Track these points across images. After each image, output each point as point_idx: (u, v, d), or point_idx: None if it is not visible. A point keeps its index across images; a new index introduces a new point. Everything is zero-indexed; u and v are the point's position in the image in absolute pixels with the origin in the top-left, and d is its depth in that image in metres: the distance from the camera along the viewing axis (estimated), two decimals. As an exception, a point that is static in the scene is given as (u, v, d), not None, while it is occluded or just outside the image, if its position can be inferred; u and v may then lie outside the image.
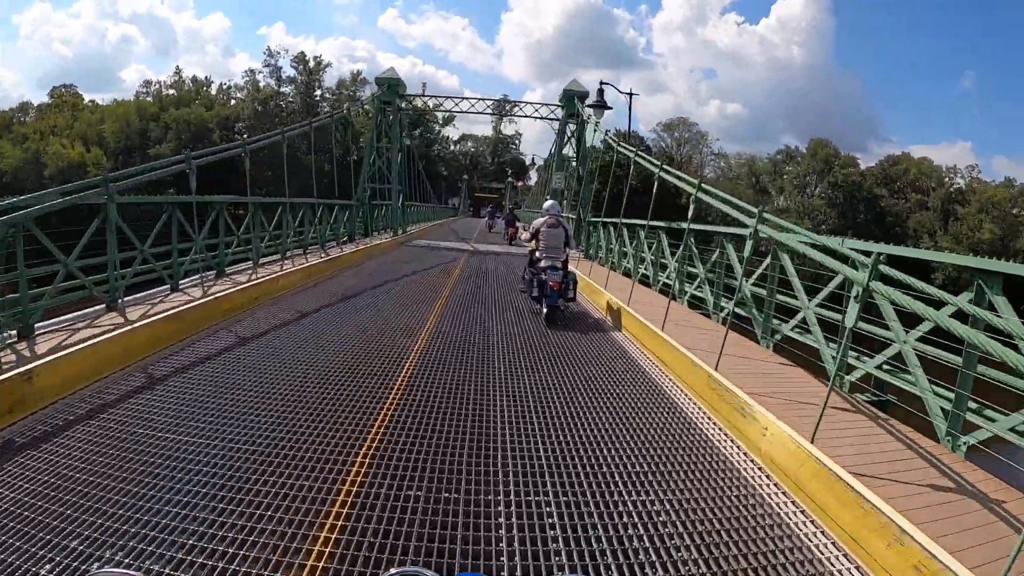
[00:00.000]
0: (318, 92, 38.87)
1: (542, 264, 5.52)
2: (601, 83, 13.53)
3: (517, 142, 61.71)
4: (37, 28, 53.24)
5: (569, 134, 14.63)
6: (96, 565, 1.54)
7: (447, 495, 2.11)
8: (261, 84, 36.91)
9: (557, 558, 1.79)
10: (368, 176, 13.37)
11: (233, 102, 34.58)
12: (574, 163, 14.54)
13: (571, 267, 5.86)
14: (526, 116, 16.97)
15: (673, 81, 76.21)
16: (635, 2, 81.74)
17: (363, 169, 13.51)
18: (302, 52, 38.98)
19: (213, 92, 35.68)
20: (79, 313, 3.76)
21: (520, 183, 59.69)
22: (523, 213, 36.25)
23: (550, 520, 2.00)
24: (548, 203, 6.11)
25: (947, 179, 36.04)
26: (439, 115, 53.26)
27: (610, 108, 13.63)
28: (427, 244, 13.33)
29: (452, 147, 59.05)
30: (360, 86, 42.22)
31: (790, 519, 2.16)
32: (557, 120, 15.37)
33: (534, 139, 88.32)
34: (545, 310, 5.36)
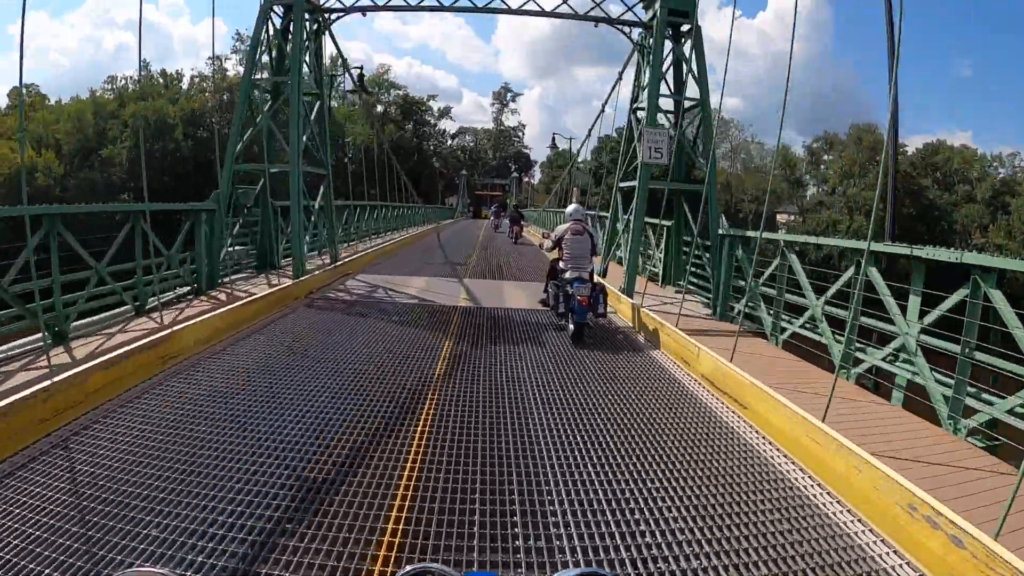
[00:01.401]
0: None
1: (567, 275, 5.56)
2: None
3: (521, 134, 62.69)
4: (33, 39, 56.58)
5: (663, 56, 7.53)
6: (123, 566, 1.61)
7: None
8: (230, 72, 37.35)
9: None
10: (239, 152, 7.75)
11: (207, 94, 35.03)
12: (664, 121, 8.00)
13: (597, 277, 5.92)
14: (561, 15, 8.79)
15: (669, 76, 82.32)
16: None
17: (231, 139, 7.87)
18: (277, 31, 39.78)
19: (184, 87, 36.20)
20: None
21: (525, 179, 60.05)
22: (530, 213, 36.44)
23: None
24: (572, 207, 6.20)
25: (992, 168, 35.64)
26: (434, 106, 54.29)
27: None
28: (367, 293, 7.59)
29: (449, 141, 59.65)
30: (341, 71, 42.63)
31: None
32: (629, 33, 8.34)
33: (537, 135, 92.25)
34: (572, 327, 5.37)
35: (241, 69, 39.18)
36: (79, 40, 61.86)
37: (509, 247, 15.19)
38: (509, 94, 61.68)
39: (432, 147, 55.75)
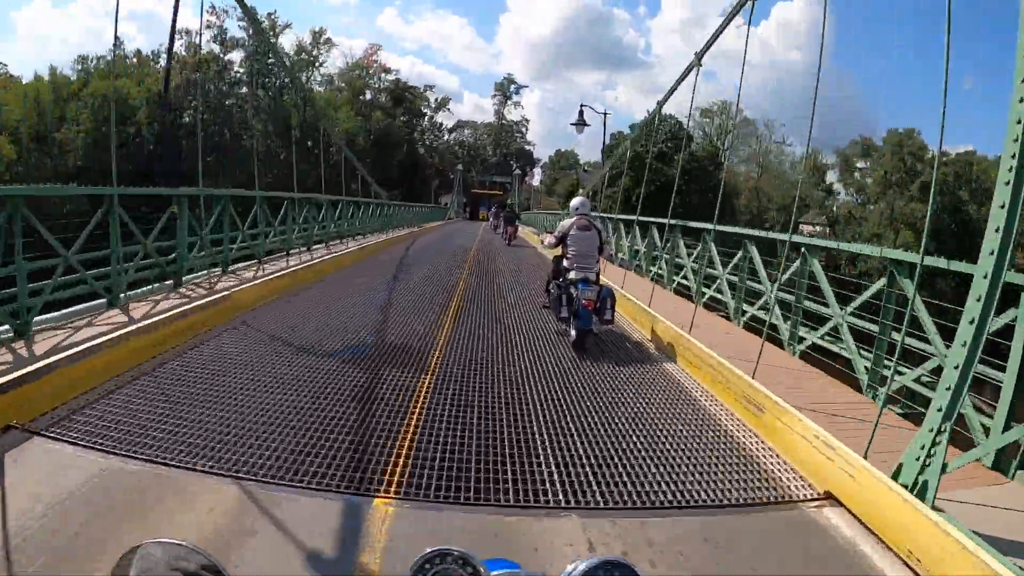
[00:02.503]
0: (273, 58, 38.82)
1: (571, 276, 5.48)
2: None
3: (524, 129, 63.09)
4: (34, 28, 57.84)
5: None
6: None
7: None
8: (204, 50, 37.52)
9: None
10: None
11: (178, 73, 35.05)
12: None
13: (603, 279, 5.84)
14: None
15: (672, 82, 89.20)
16: (634, 2, 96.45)
17: None
18: (252, 7, 39.66)
19: (160, 68, 36.19)
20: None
21: (527, 178, 60.17)
22: (533, 217, 36.69)
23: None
24: (577, 199, 6.12)
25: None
26: (430, 97, 54.57)
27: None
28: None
29: (447, 136, 59.51)
30: (325, 49, 42.46)
31: None
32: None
33: (536, 137, 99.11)
34: (574, 333, 5.29)
35: (216, 47, 40.09)
36: (80, 30, 63.21)
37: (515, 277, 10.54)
38: (512, 86, 61.80)
39: (428, 141, 55.70)
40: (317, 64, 42.63)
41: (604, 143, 18.14)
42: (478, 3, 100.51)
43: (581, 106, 17.52)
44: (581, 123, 18.32)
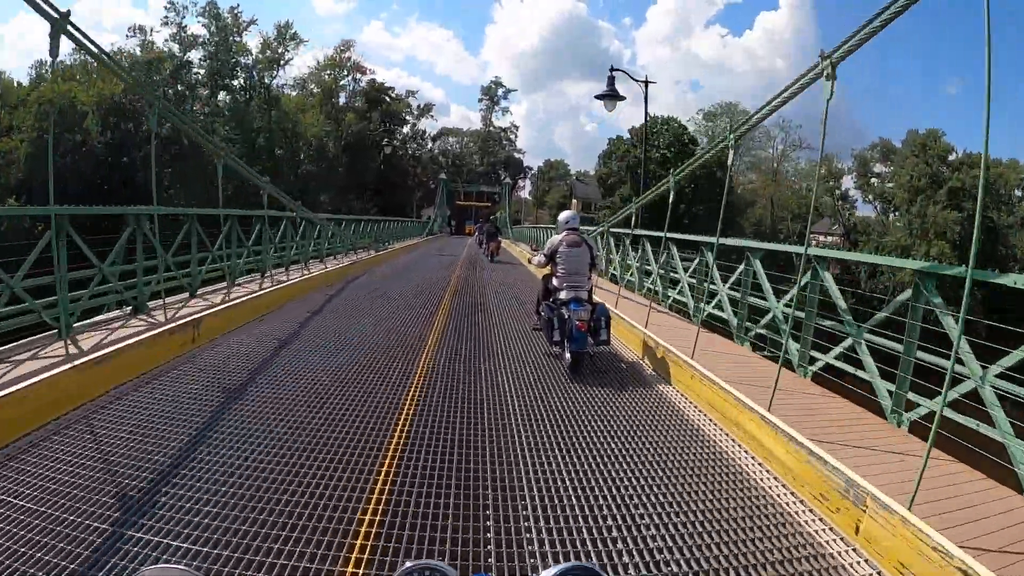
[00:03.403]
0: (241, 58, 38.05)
1: (563, 296, 5.59)
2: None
3: (513, 136, 63.50)
4: (22, 38, 58.63)
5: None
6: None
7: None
8: (161, 48, 37.26)
9: None
10: None
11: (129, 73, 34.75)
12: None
13: (596, 296, 5.97)
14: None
15: (659, 92, 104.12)
16: (619, 14, 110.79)
17: None
18: (213, 2, 37.82)
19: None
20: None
21: (516, 188, 60.38)
22: (523, 232, 36.79)
23: None
24: (566, 213, 6.23)
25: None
26: (413, 104, 54.29)
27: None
28: None
29: (430, 144, 59.62)
30: (293, 45, 41.01)
31: None
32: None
33: (525, 148, 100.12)
34: (569, 356, 5.40)
35: (176, 47, 39.67)
36: (67, 43, 65.78)
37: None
38: (501, 90, 62.15)
39: (411, 151, 55.31)
40: (282, 63, 41.45)
41: (645, 112, 14.57)
42: (464, 15, 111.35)
43: (612, 70, 13.29)
44: (612, 95, 13.14)
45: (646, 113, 14.87)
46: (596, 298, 5.97)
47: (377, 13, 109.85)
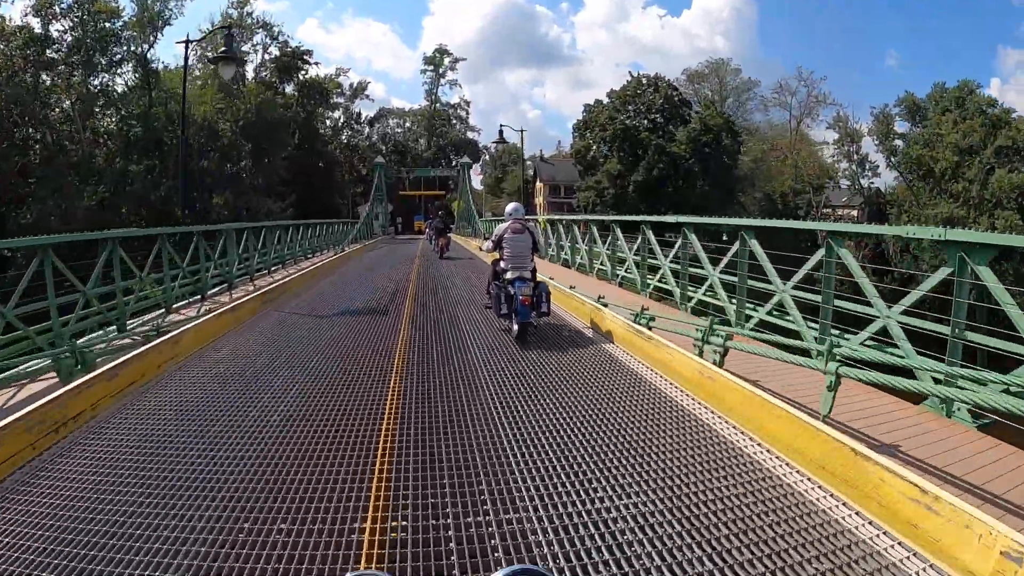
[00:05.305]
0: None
1: (508, 276, 7.56)
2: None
3: (464, 112, 63.46)
4: None
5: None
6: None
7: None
8: (12, 21, 34.47)
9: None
10: None
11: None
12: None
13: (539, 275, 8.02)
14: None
15: (600, 76, 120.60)
16: (557, 0, 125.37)
17: None
18: None
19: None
20: None
21: (472, 170, 58.76)
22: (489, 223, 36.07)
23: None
24: (511, 206, 8.31)
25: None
26: (343, 82, 52.73)
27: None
28: None
29: (367, 129, 59.55)
30: (176, 6, 34.56)
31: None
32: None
33: (488, 108, 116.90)
34: (516, 328, 7.36)
35: (36, 20, 36.25)
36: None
37: None
38: (447, 58, 62.13)
39: (346, 139, 55.23)
40: (159, 23, 35.77)
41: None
42: (399, 8, 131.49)
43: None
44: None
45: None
46: (540, 276, 7.96)
47: (312, 11, 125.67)
